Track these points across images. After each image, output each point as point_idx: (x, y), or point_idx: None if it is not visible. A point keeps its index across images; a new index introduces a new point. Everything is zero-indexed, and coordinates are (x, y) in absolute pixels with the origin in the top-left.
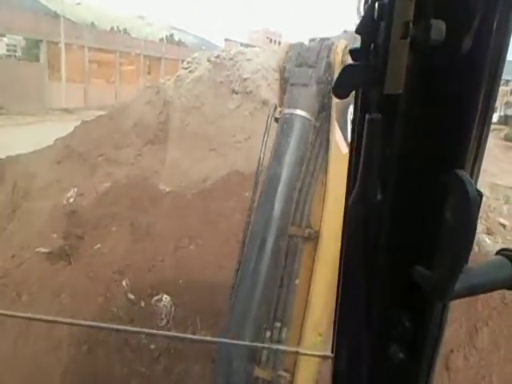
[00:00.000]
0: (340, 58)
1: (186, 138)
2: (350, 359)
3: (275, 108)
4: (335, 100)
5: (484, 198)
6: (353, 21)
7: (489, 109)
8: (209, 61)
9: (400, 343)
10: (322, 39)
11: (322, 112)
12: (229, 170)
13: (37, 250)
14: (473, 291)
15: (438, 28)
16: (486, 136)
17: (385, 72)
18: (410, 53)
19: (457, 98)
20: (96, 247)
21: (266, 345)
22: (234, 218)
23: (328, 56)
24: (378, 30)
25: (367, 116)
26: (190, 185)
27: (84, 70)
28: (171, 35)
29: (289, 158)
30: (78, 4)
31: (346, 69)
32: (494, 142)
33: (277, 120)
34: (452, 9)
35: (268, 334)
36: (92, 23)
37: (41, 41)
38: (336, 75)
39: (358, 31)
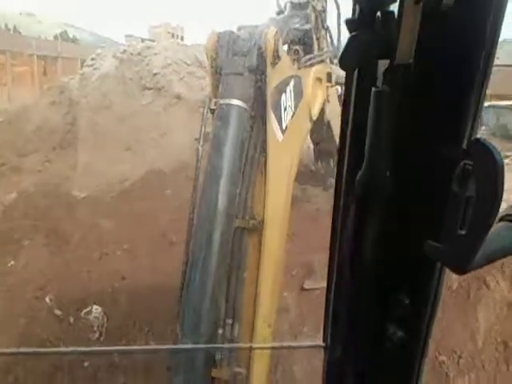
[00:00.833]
0: (272, 45)
1: (97, 139)
2: (346, 346)
3: (210, 99)
4: (269, 88)
5: None
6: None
7: (486, 74)
8: (114, 57)
9: (398, 322)
10: (251, 27)
11: (257, 100)
12: (147, 169)
13: None
14: (489, 259)
15: None
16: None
17: (397, 41)
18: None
19: (468, 66)
20: (9, 265)
21: (232, 345)
22: (160, 217)
23: (259, 43)
24: None
25: (373, 89)
26: (108, 188)
27: None
28: (65, 32)
29: (229, 149)
30: None
31: (352, 40)
32: None
33: (212, 111)
34: None
35: (220, 331)
36: None
37: None
38: (269, 62)
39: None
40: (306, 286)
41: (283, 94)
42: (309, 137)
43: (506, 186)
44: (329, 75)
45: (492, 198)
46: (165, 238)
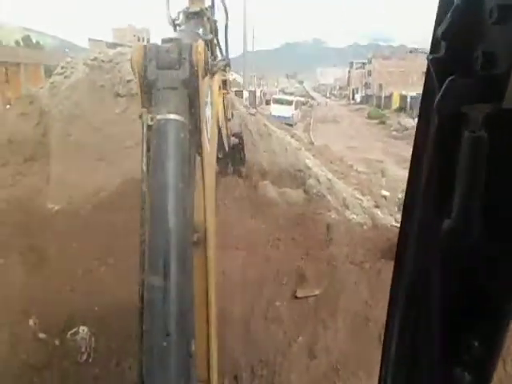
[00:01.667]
0: (203, 58)
1: (70, 150)
2: None
3: (142, 115)
4: (202, 100)
5: (364, 175)
6: None
7: None
8: (85, 64)
9: (466, 366)
10: (175, 39)
11: (190, 114)
12: (123, 179)
13: None
14: None
15: None
16: None
17: (505, 83)
18: None
19: None
20: None
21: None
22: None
23: (190, 57)
24: (482, 35)
25: (468, 134)
26: (83, 199)
27: None
28: (28, 37)
29: (173, 165)
30: None
31: (451, 83)
32: (360, 121)
33: (149, 127)
34: None
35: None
36: None
37: None
38: (200, 75)
39: (444, 37)
40: (298, 295)
41: (206, 105)
42: None
43: None
44: (224, 83)
45: None
46: None
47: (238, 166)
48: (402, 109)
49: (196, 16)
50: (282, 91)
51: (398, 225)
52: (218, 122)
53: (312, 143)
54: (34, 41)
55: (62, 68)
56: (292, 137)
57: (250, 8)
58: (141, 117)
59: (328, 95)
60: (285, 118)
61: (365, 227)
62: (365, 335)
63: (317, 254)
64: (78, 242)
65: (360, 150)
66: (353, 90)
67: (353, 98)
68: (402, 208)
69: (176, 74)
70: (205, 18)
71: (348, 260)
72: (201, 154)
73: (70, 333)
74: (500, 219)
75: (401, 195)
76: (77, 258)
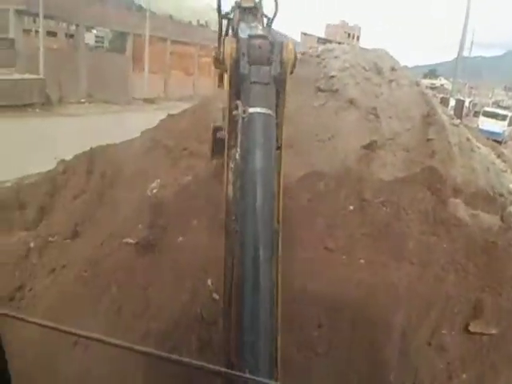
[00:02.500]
0: (293, 56)
1: None
2: None
3: (236, 107)
4: (286, 96)
5: None
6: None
7: None
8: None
9: None
10: (264, 36)
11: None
12: (307, 170)
13: (124, 240)
14: None
15: None
16: None
17: None
18: None
19: None
20: (179, 240)
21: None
22: (317, 220)
23: (281, 54)
24: None
25: None
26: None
27: (165, 62)
28: None
29: (263, 155)
30: None
31: None
32: None
33: (242, 119)
34: None
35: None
36: (170, 16)
37: (127, 33)
38: (289, 71)
39: None
40: (471, 329)
41: None
42: None
43: None
44: None
45: None
46: (320, 243)
47: None
48: None
49: (250, 11)
50: (496, 104)
51: None
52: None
53: None
54: None
55: None
56: (498, 156)
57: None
58: (236, 108)
59: None
60: (494, 133)
61: None
62: None
63: (501, 290)
64: None
65: None
66: None
67: None
68: None
69: (268, 70)
70: (258, 14)
71: None
72: (280, 148)
73: None
74: None
75: None
76: None
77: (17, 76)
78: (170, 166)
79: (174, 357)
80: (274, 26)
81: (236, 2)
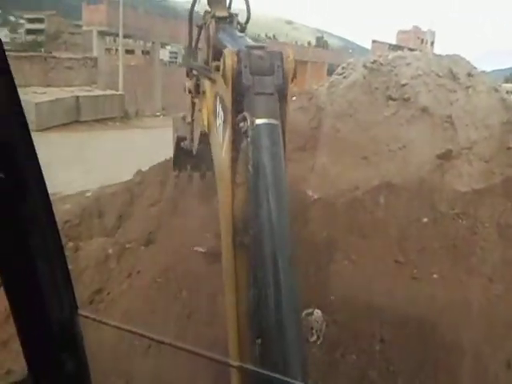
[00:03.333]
0: (293, 66)
1: (336, 145)
2: None
3: (243, 118)
4: (289, 104)
5: None
6: None
7: None
8: (364, 66)
9: None
10: (263, 47)
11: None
12: (380, 181)
13: (194, 248)
14: None
15: None
16: None
17: None
18: None
19: None
20: None
21: None
22: (387, 233)
23: (282, 64)
24: None
25: None
26: (339, 193)
27: None
28: (317, 39)
29: (274, 165)
30: None
31: None
32: None
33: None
34: None
35: None
36: None
37: (200, 49)
38: (289, 81)
39: None
40: None
41: None
42: None
43: None
44: None
45: None
46: (390, 256)
47: None
48: None
49: (226, 20)
50: None
51: None
52: None
53: None
54: (323, 41)
55: (343, 69)
56: None
57: None
58: (244, 120)
59: None
60: None
61: None
62: None
63: None
64: (327, 231)
65: None
66: None
67: None
68: None
69: (271, 80)
70: (234, 22)
71: None
72: (284, 153)
73: (305, 312)
74: None
75: None
76: (325, 246)
77: (99, 92)
78: None
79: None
80: (344, 33)
81: (207, 12)
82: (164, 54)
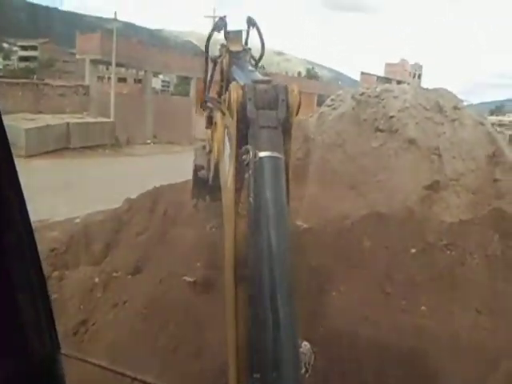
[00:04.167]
0: (298, 100)
1: (325, 175)
2: None
3: (246, 151)
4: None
5: None
6: None
7: None
8: (353, 98)
9: None
10: (267, 81)
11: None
12: (369, 211)
13: (183, 278)
14: None
15: None
16: None
17: None
18: None
19: None
20: None
21: None
22: (376, 262)
23: (287, 98)
24: None
25: None
26: (328, 223)
27: None
28: (308, 70)
29: (277, 198)
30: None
31: None
32: None
33: (253, 163)
34: None
35: None
36: None
37: (191, 78)
38: (294, 115)
39: None
40: None
41: None
42: None
43: None
44: None
45: None
46: (379, 286)
47: None
48: None
49: (240, 55)
50: None
51: None
52: None
53: None
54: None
55: (332, 100)
56: None
57: None
58: (247, 153)
59: None
60: None
61: None
62: None
63: None
64: (316, 261)
65: None
66: None
67: None
68: None
69: (275, 114)
70: (248, 57)
71: None
72: (287, 187)
73: None
74: None
75: None
76: (314, 276)
77: (90, 119)
78: None
79: None
80: (334, 65)
81: (223, 46)
82: (156, 83)
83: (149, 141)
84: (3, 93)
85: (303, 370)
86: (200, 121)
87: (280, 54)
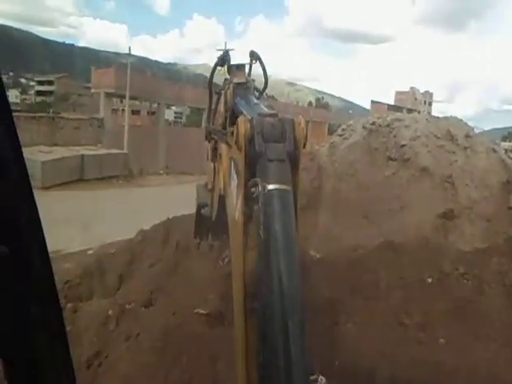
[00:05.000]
0: (304, 133)
1: (338, 205)
2: None
3: (254, 184)
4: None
5: None
6: None
7: None
8: (364, 127)
9: None
10: (274, 114)
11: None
12: (382, 240)
13: (195, 310)
14: None
15: None
16: None
17: None
18: None
19: None
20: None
21: None
22: (391, 294)
23: (294, 131)
24: None
25: None
26: (341, 253)
27: None
28: (318, 99)
29: (287, 231)
30: None
31: None
32: None
33: (261, 196)
34: None
35: None
36: None
37: (203, 109)
38: (301, 148)
39: None
40: None
41: None
42: None
43: None
44: None
45: None
46: (396, 319)
47: None
48: None
49: (244, 86)
50: None
51: None
52: None
53: None
54: (325, 102)
55: (343, 130)
56: None
57: None
58: (255, 185)
59: None
60: None
61: None
62: None
63: None
64: (329, 292)
65: None
66: None
67: None
68: None
69: (282, 147)
70: (251, 89)
71: None
72: (296, 218)
73: (310, 378)
74: None
75: None
76: (326, 308)
77: (103, 151)
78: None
79: None
80: (344, 94)
81: (226, 79)
82: (169, 114)
83: (161, 171)
84: (21, 126)
85: None
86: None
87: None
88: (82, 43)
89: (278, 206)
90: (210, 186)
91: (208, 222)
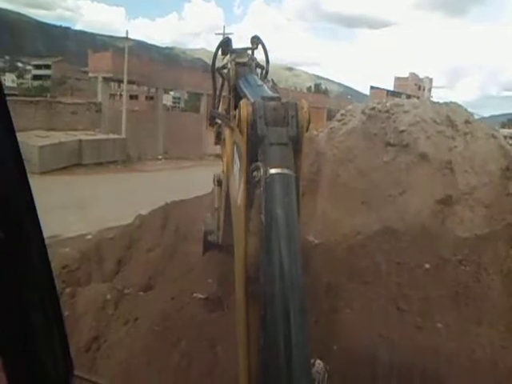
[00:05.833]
0: (307, 117)
1: (336, 190)
2: None
3: (256, 168)
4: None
5: None
6: None
7: None
8: (363, 113)
9: None
10: (277, 97)
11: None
12: (381, 226)
13: (194, 295)
14: None
15: None
16: None
17: None
18: None
19: None
20: None
21: None
22: (389, 279)
23: (297, 115)
24: None
25: None
26: (340, 238)
27: None
28: (317, 85)
29: (289, 216)
30: None
31: None
32: None
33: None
34: None
35: None
36: None
37: (201, 94)
38: (304, 132)
39: None
40: None
41: None
42: None
43: None
44: None
45: None
46: (394, 303)
47: None
48: None
49: (246, 65)
50: None
51: None
52: None
53: None
54: (323, 87)
55: (342, 115)
56: None
57: None
58: (257, 169)
59: None
60: None
61: None
62: None
63: None
64: (328, 278)
65: None
66: None
67: None
68: None
69: (285, 131)
70: (253, 67)
71: None
72: (298, 203)
73: None
74: None
75: None
76: (325, 293)
77: (101, 136)
78: None
79: None
80: (343, 80)
81: (229, 60)
82: (167, 99)
83: (160, 156)
84: (18, 111)
85: None
86: (210, 136)
87: (289, 69)
88: (78, 26)
89: (280, 190)
90: (216, 205)
91: (214, 247)
